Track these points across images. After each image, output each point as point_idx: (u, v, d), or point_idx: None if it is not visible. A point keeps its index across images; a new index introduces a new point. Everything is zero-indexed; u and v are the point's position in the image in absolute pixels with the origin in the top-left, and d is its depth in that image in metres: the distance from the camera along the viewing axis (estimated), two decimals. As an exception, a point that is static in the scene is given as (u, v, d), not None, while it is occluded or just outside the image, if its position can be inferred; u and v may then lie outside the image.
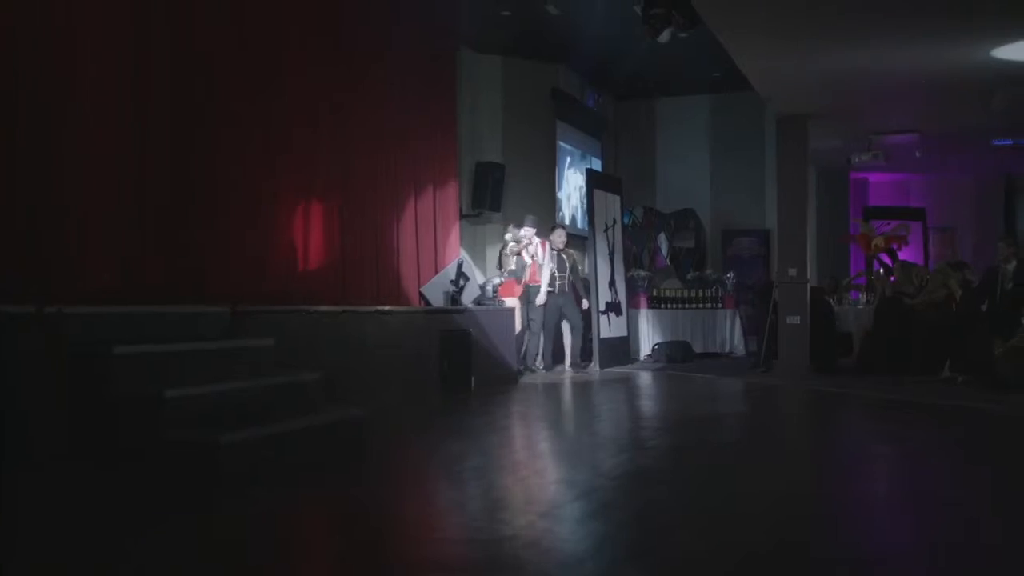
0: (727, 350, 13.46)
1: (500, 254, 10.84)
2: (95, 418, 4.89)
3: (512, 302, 10.33)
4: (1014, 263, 10.17)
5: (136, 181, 6.11)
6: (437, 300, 9.37)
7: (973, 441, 6.58)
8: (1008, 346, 9.09)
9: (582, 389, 9.27)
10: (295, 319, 6.91)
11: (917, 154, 13.97)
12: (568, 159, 13.49)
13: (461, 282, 9.45)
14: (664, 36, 9.52)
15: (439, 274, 9.63)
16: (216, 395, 5.24)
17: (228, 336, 6.12)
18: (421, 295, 9.44)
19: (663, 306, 13.49)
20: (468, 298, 9.55)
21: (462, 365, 8.93)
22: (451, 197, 10.65)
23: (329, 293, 7.99)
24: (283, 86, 7.55)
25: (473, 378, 9.05)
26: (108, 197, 5.89)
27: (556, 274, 10.95)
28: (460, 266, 9.62)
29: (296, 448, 5.22)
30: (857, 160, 13.22)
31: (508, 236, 10.71)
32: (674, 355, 12.69)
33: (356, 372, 7.30)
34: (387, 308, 8.32)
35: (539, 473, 5.24)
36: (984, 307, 10.16)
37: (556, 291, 10.94)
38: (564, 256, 11.08)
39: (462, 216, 11.31)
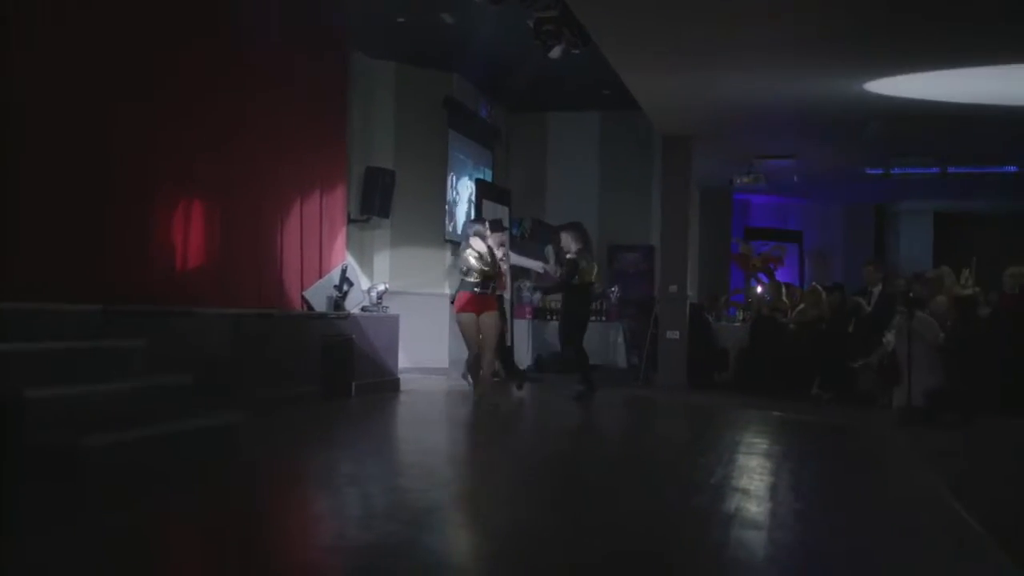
0: (610, 362, 13.70)
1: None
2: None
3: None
4: (879, 287, 10.68)
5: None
6: (320, 305, 9.27)
7: (821, 453, 6.89)
8: (865, 363, 9.55)
9: (463, 399, 9.31)
10: (171, 320, 6.74)
11: (795, 178, 14.55)
12: (460, 168, 13.54)
13: (345, 287, 9.37)
14: (555, 52, 9.65)
15: (323, 279, 9.53)
16: (82, 397, 5.08)
17: (98, 336, 5.93)
18: (304, 299, 9.33)
19: (547, 317, 13.65)
20: (352, 304, 9.48)
21: (343, 371, 8.87)
22: (339, 201, 10.55)
23: (209, 295, 7.82)
24: (162, 82, 7.35)
25: (354, 384, 8.99)
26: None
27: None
28: (344, 271, 9.54)
29: (165, 453, 5.11)
30: (739, 182, 13.66)
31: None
32: (557, 366, 12.84)
33: (233, 376, 7.16)
34: (267, 311, 8.20)
35: (410, 482, 5.24)
36: (850, 328, 10.62)
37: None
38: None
39: (350, 221, 11.22)
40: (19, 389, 4.66)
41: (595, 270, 10.17)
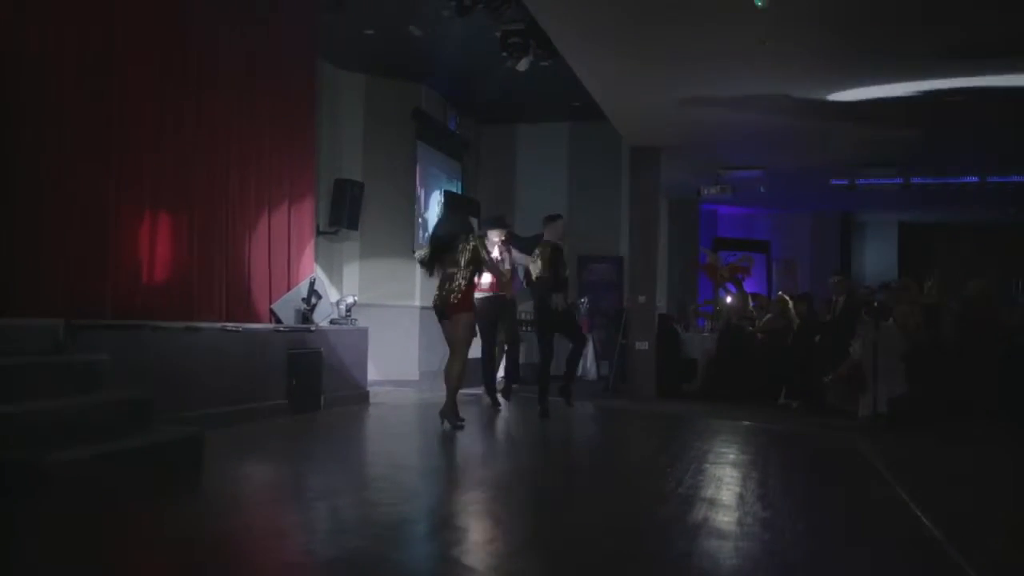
0: (580, 373, 13.70)
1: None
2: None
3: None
4: (844, 296, 10.79)
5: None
6: (288, 318, 9.22)
7: (788, 462, 6.94)
8: (834, 374, 9.64)
9: (431, 411, 9.28)
10: (136, 334, 6.67)
11: (762, 189, 14.70)
12: (429, 179, 13.54)
13: (313, 300, 9.33)
14: (523, 64, 9.73)
15: (291, 291, 9.48)
16: (44, 412, 5.01)
17: (61, 351, 5.86)
18: (272, 312, 9.27)
19: (520, 328, 13.65)
20: (321, 316, 9.44)
21: (311, 385, 8.82)
22: (307, 213, 10.50)
23: (175, 308, 7.76)
24: (124, 92, 7.28)
25: (323, 397, 8.95)
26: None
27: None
28: (312, 284, 9.50)
29: (128, 468, 5.04)
30: (706, 192, 13.78)
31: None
32: (528, 377, 12.84)
33: (199, 390, 7.10)
34: (234, 325, 8.14)
35: (378, 495, 5.22)
36: (817, 338, 10.72)
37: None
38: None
39: (319, 233, 11.18)
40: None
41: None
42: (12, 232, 6.21)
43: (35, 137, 6.41)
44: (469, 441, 7.49)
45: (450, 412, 7.81)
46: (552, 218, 9.29)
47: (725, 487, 5.55)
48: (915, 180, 13.67)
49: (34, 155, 6.40)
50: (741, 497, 5.29)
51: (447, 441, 7.32)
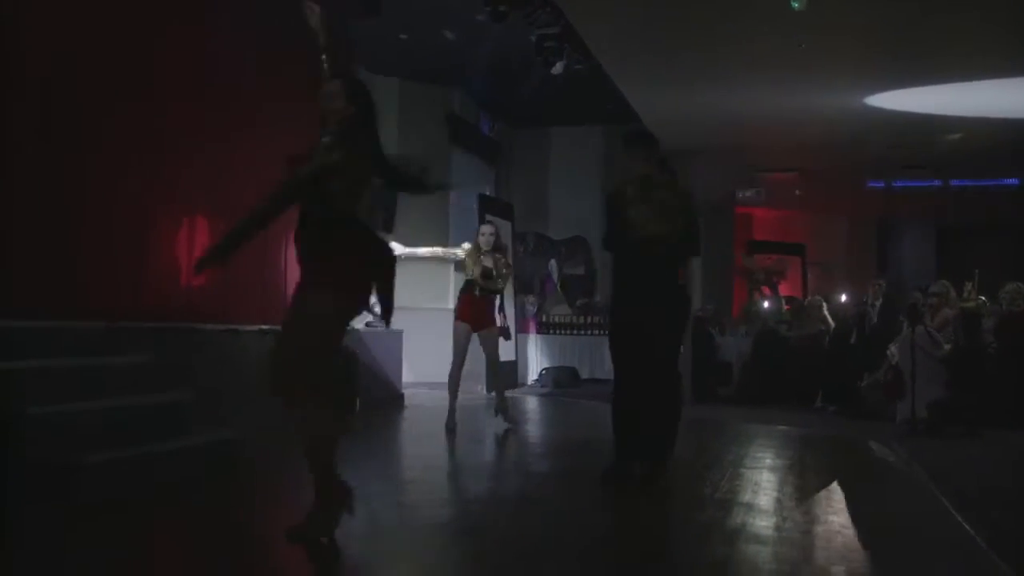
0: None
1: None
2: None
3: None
4: (881, 300, 10.68)
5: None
6: (324, 320, 9.26)
7: (826, 467, 6.87)
8: (872, 379, 9.53)
9: (470, 413, 9.30)
10: (175, 336, 6.74)
11: (797, 192, 14.58)
12: (462, 183, 13.56)
13: (349, 303, 9.37)
14: (557, 68, 9.72)
15: (327, 294, 9.53)
16: (82, 414, 5.08)
17: (101, 352, 5.93)
18: (308, 315, 9.32)
19: (551, 331, 13.66)
20: (357, 320, 9.48)
21: (347, 387, 8.85)
22: (343, 217, 10.54)
23: (213, 310, 7.82)
24: (167, 97, 7.37)
25: (358, 400, 8.98)
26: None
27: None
28: (348, 287, 9.55)
29: (166, 470, 5.10)
30: (740, 195, 13.69)
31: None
32: (561, 380, 12.84)
33: (237, 392, 7.15)
34: (271, 327, 8.18)
35: (415, 497, 5.24)
36: (853, 341, 10.61)
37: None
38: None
39: (353, 236, 11.21)
40: (22, 406, 4.66)
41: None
42: (55, 234, 6.29)
43: (73, 140, 6.49)
44: (504, 444, 7.49)
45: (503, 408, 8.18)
46: None
47: (763, 492, 5.51)
48: (954, 182, 13.50)
49: (77, 158, 6.49)
50: (779, 502, 5.24)
51: (481, 443, 7.33)
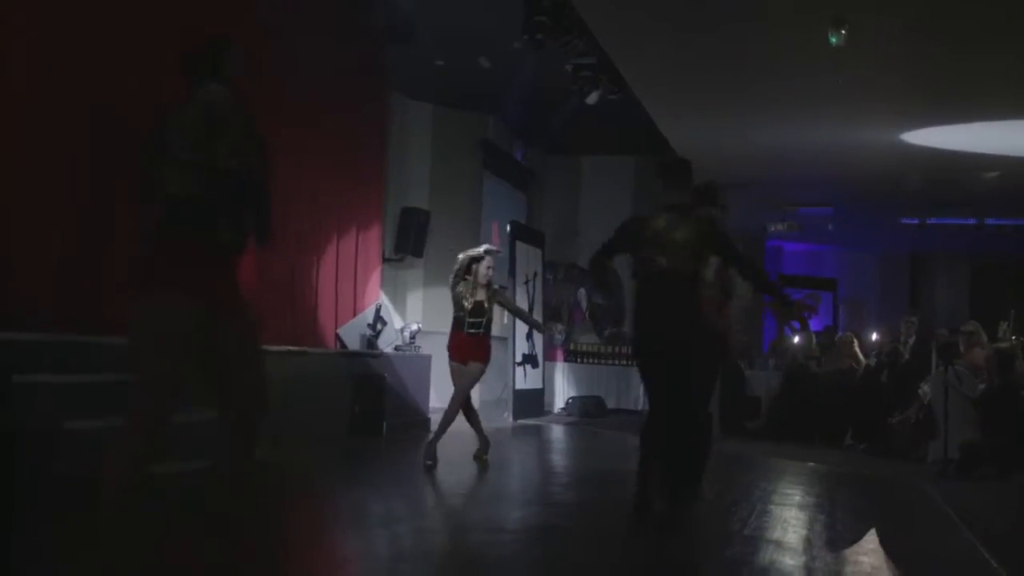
0: (640, 407, 13.61)
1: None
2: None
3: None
4: (914, 338, 10.57)
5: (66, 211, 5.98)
6: (353, 343, 9.32)
7: (856, 506, 6.79)
8: (903, 417, 9.42)
9: (494, 439, 9.28)
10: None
11: (830, 227, 14.50)
12: (493, 209, 13.62)
13: (379, 326, 9.43)
14: (592, 98, 9.76)
15: (357, 317, 9.59)
16: (119, 430, 5.11)
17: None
18: (337, 337, 9.38)
19: (579, 360, 13.63)
20: (385, 343, 9.53)
21: (375, 410, 8.88)
22: (374, 240, 10.64)
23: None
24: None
25: (385, 423, 9.00)
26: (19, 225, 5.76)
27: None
28: (379, 310, 9.61)
29: (194, 487, 5.11)
30: (772, 229, 13.64)
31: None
32: (587, 409, 12.80)
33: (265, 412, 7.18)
34: (300, 349, 8.25)
35: (440, 524, 5.23)
36: (884, 378, 10.50)
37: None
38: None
39: (385, 260, 11.30)
40: (58, 420, 4.71)
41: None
42: (98, 252, 6.38)
43: (111, 157, 6.59)
44: (529, 472, 7.46)
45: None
46: None
47: (791, 529, 5.45)
48: (989, 221, 13.37)
49: (119, 178, 6.59)
50: (808, 540, 5.18)
51: (506, 470, 7.30)
